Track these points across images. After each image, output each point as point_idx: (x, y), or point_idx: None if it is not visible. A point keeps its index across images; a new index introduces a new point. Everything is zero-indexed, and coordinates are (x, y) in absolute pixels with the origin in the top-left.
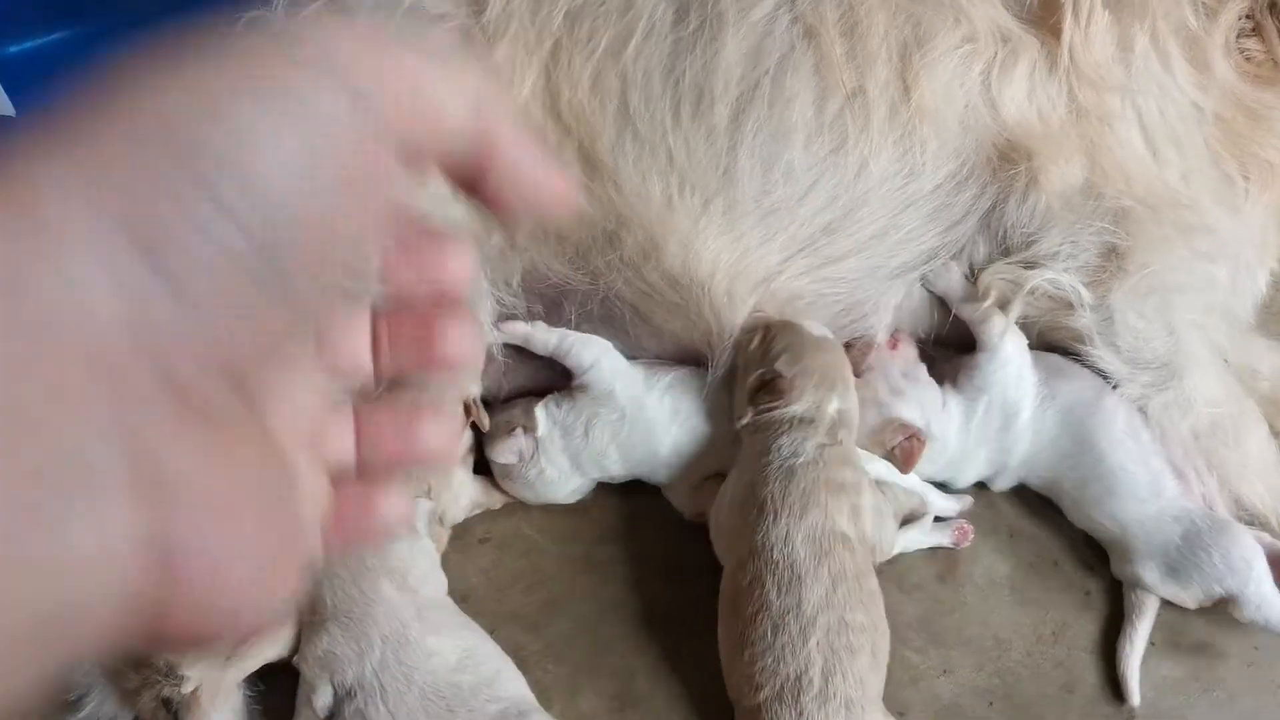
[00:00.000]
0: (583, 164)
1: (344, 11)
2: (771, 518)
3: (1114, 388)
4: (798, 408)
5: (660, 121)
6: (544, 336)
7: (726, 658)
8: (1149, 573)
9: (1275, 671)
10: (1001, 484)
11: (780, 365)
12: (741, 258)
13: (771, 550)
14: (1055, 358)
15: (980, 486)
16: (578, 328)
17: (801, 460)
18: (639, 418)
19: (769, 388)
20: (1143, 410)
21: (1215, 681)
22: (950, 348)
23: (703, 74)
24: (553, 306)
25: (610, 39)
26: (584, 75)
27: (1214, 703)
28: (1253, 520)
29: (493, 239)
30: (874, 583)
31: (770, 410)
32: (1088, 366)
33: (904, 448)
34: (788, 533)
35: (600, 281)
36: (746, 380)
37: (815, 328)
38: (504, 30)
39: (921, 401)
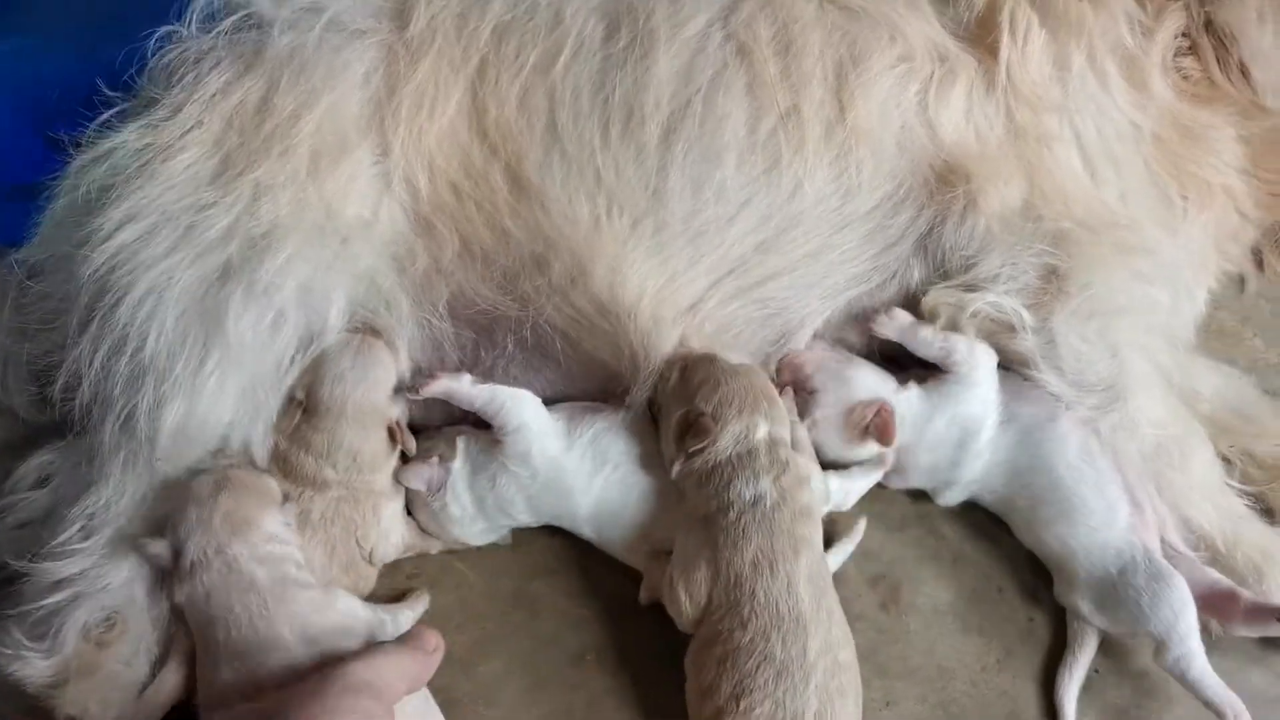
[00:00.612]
0: (509, 185)
1: (260, 26)
2: (769, 571)
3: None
4: (725, 442)
5: (589, 141)
6: (469, 393)
7: (709, 709)
8: (1084, 602)
9: None
10: (951, 498)
11: (699, 400)
12: (669, 282)
13: (776, 604)
14: (1016, 378)
15: (924, 507)
16: (513, 356)
17: (770, 503)
18: (553, 478)
19: (694, 429)
20: (1095, 433)
21: (1159, 709)
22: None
23: (633, 92)
24: (485, 334)
25: (539, 56)
26: (511, 93)
27: None
28: (1199, 544)
29: (417, 263)
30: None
31: (699, 451)
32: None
33: (877, 424)
34: (789, 582)
35: (530, 307)
36: (671, 423)
37: (732, 358)
38: (428, 46)
39: (864, 379)
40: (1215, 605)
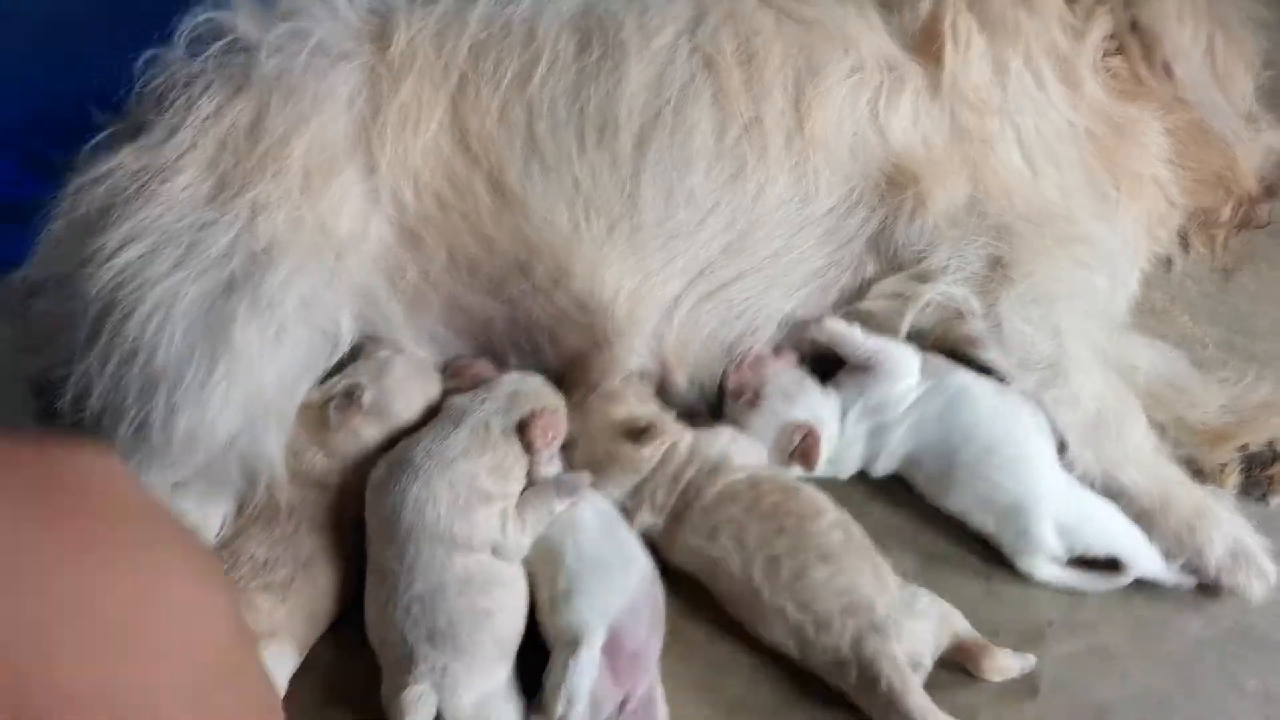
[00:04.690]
0: (492, 194)
1: (247, 50)
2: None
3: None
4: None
5: (566, 150)
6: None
7: (833, 641)
8: (1049, 534)
9: (1161, 643)
10: (881, 468)
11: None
12: (643, 281)
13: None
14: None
15: (883, 485)
16: (505, 358)
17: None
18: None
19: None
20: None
21: (1109, 655)
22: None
23: (606, 103)
24: (477, 339)
25: (515, 70)
26: (491, 106)
27: (1111, 674)
28: (1131, 505)
29: (408, 275)
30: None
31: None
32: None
33: (802, 449)
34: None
35: (518, 309)
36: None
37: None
38: (409, 66)
39: (810, 403)
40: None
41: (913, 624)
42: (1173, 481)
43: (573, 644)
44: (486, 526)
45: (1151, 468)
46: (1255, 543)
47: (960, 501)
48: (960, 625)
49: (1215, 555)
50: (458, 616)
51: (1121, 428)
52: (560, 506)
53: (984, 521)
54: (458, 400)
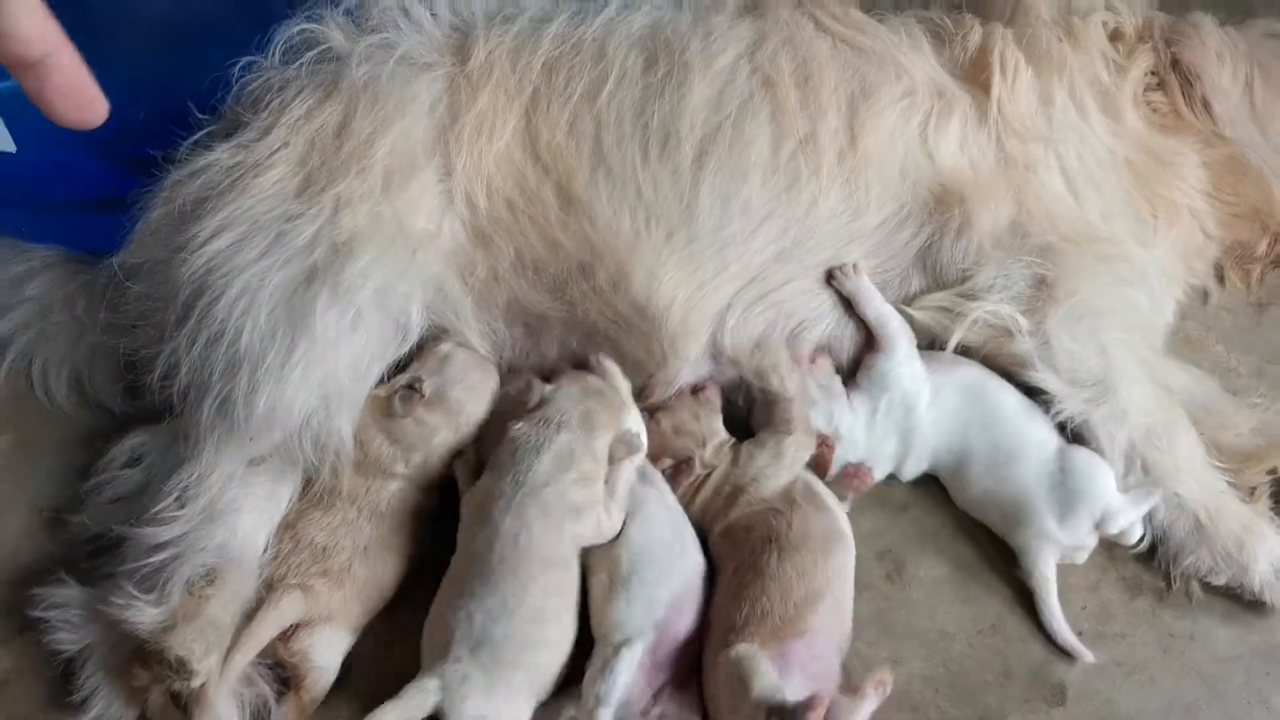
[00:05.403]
0: (560, 201)
1: (337, 59)
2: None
3: (1056, 409)
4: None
5: (631, 160)
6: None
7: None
8: (1049, 521)
9: (1188, 656)
10: (910, 470)
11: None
12: (698, 289)
13: None
14: (944, 353)
15: (921, 490)
16: (562, 356)
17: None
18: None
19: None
20: (1085, 425)
21: (1137, 666)
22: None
23: (670, 117)
24: (537, 336)
25: (585, 86)
26: (561, 119)
27: (1137, 685)
28: (1184, 517)
29: (478, 272)
30: None
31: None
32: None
33: (818, 455)
34: None
35: (578, 310)
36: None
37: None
38: (487, 79)
39: (832, 410)
40: None
41: None
42: (1224, 493)
43: (618, 645)
44: (572, 538)
45: (1203, 476)
46: None
47: (973, 497)
48: None
49: (1260, 572)
50: (515, 636)
51: (1172, 439)
52: (632, 465)
53: (991, 518)
54: (527, 430)
